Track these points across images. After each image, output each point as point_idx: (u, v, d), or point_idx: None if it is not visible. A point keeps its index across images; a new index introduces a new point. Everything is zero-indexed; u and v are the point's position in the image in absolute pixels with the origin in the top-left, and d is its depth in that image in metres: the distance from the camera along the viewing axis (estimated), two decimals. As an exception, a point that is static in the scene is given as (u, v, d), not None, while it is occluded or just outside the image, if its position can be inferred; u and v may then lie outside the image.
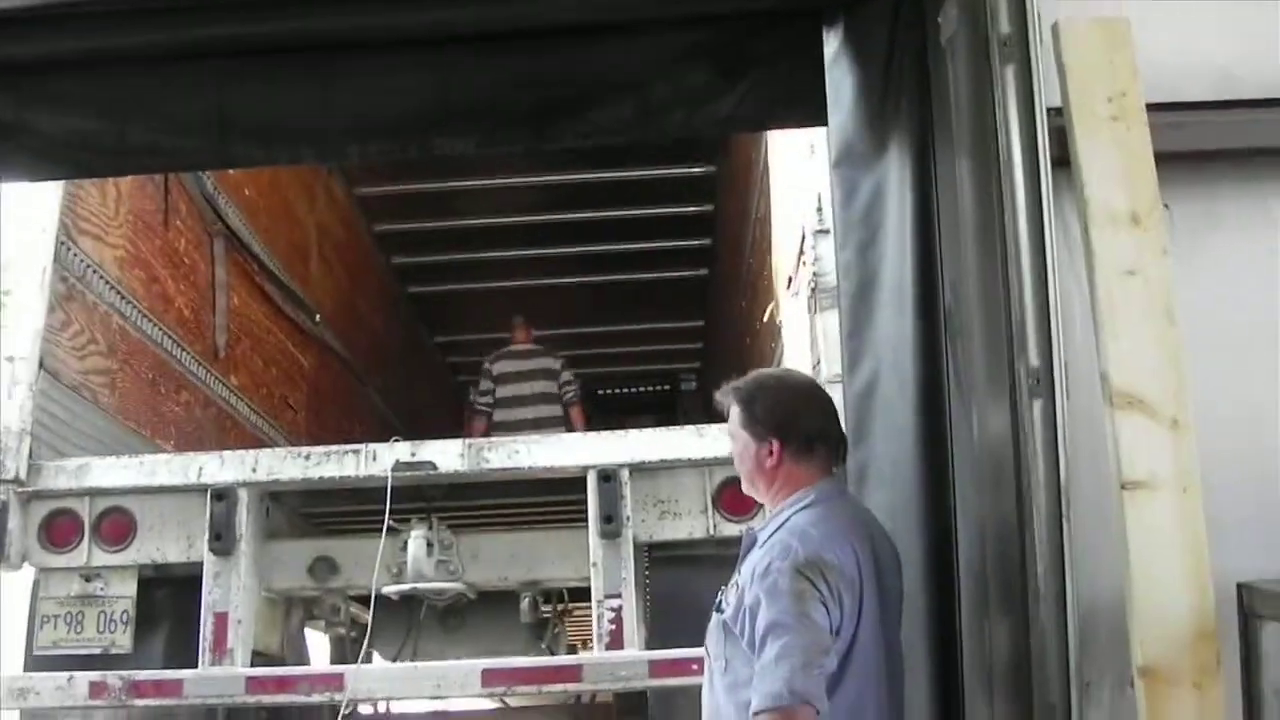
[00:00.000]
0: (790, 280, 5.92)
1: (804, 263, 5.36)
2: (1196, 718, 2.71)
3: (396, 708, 6.18)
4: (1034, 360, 3.12)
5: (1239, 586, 3.02)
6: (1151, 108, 3.08)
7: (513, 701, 6.75)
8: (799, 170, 5.38)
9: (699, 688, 4.74)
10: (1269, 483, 3.21)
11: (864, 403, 3.94)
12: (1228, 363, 3.25)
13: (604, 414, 12.32)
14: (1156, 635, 2.75)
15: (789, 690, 2.76)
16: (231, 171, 7.36)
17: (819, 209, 5.01)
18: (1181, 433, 2.83)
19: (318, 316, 8.74)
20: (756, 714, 2.79)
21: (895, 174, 3.83)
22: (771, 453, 3.14)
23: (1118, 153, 3.03)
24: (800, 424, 3.20)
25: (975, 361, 3.44)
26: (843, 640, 2.91)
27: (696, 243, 11.44)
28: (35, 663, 4.96)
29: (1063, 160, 3.11)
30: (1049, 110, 3.20)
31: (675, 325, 13.34)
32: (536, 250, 11.45)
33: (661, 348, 13.80)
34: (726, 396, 3.26)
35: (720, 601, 3.14)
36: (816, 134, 5.13)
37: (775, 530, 3.08)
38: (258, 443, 7.13)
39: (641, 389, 14.22)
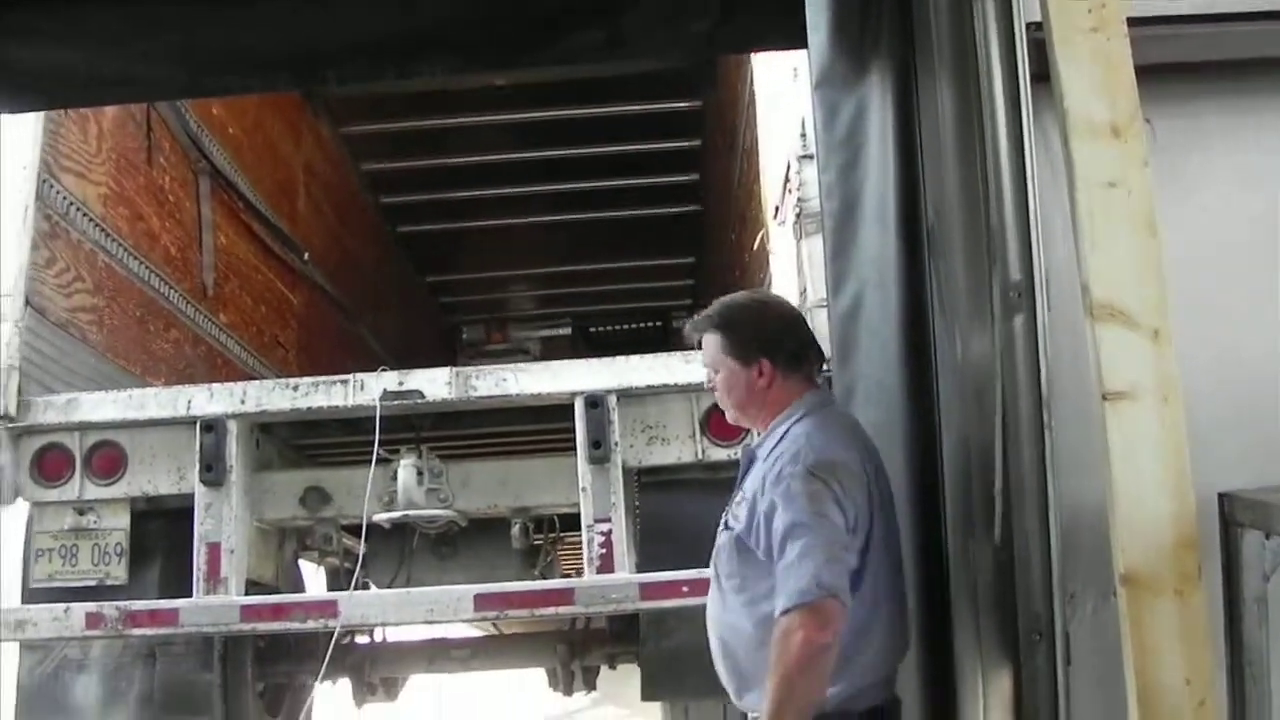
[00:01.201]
0: (777, 209, 5.91)
1: (790, 190, 5.36)
2: (1178, 624, 2.72)
3: (392, 637, 6.23)
4: (1015, 274, 3.13)
5: (1220, 495, 3.05)
6: (1132, 22, 3.05)
7: (507, 628, 6.82)
8: (784, 98, 5.36)
9: (690, 610, 4.80)
10: (1249, 394, 3.24)
11: (849, 323, 3.96)
12: (1209, 276, 3.27)
13: (596, 351, 12.33)
14: (1138, 544, 2.77)
15: (816, 584, 2.79)
16: (215, 110, 7.32)
17: (803, 134, 5.00)
18: (1162, 343, 2.83)
19: (306, 255, 8.71)
20: (785, 612, 2.80)
21: (876, 94, 3.82)
22: (761, 373, 3.16)
23: (1097, 65, 3.00)
24: (785, 339, 3.24)
25: (957, 278, 3.45)
26: (859, 537, 2.96)
27: (685, 178, 11.40)
28: (32, 595, 5.01)
29: (1042, 75, 3.10)
30: (1028, 25, 3.19)
31: (666, 262, 13.31)
32: (526, 188, 11.39)
33: (653, 285, 13.78)
34: (701, 329, 3.25)
35: (727, 520, 3.16)
36: (800, 58, 5.12)
37: (777, 442, 3.10)
38: (248, 380, 7.13)
39: (633, 325, 14.22)
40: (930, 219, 3.66)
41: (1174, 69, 3.32)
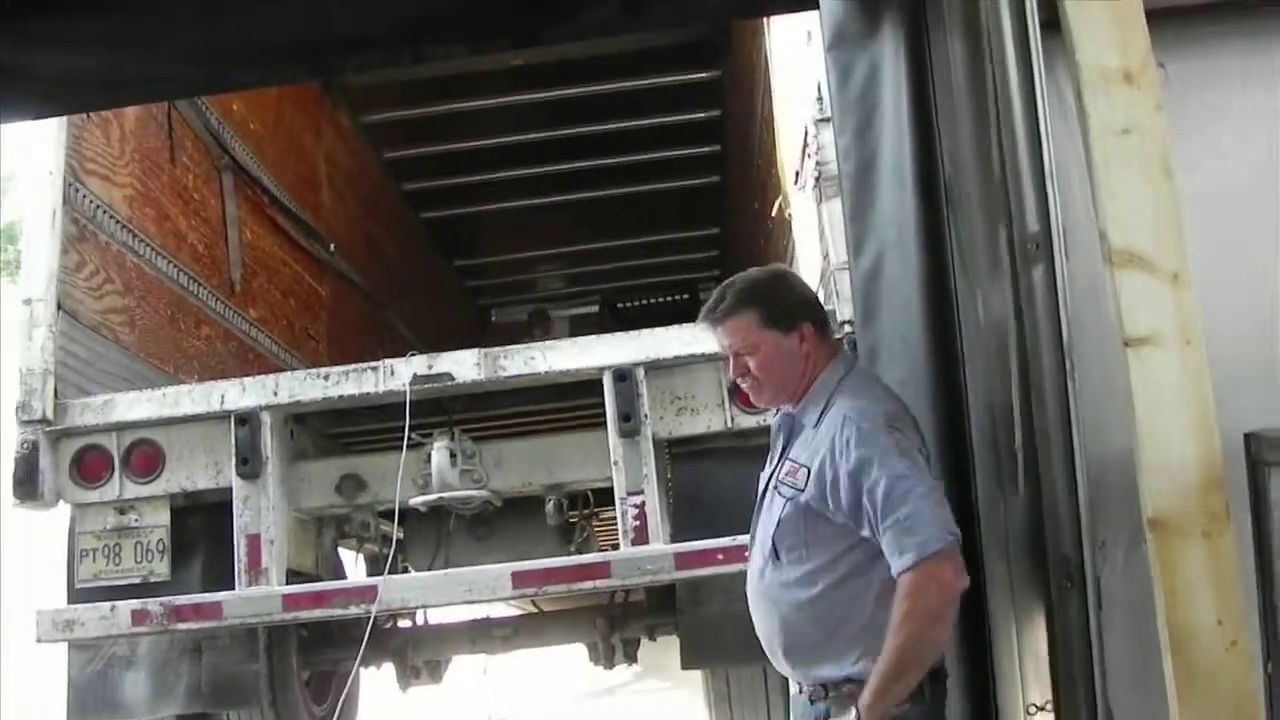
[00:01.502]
0: (797, 175, 5.91)
1: (808, 155, 5.35)
2: (1207, 566, 2.72)
3: (434, 620, 6.28)
4: (1032, 226, 3.13)
5: (1246, 436, 3.04)
6: (1143, -35, 3.03)
7: (547, 606, 6.85)
8: (799, 63, 5.35)
9: (726, 577, 4.81)
10: (1271, 335, 3.23)
11: (870, 284, 3.96)
12: (1229, 217, 3.25)
13: (625, 326, 12.28)
14: (1165, 487, 2.76)
15: (945, 530, 2.79)
16: (235, 106, 7.36)
17: (819, 98, 4.99)
18: (1182, 287, 2.82)
19: (333, 247, 8.74)
20: (915, 565, 2.75)
21: (889, 52, 3.81)
22: (803, 339, 3.12)
23: (1107, 11, 2.98)
24: (817, 303, 3.30)
25: (975, 233, 3.45)
26: None
27: (707, 149, 11.37)
28: (77, 596, 5.08)
29: (1052, 23, 3.09)
30: (1036, -28, 3.18)
31: (691, 234, 13.30)
32: (547, 168, 11.38)
33: (679, 258, 13.77)
34: (727, 312, 3.14)
35: (779, 490, 3.05)
36: (813, 20, 5.10)
37: (826, 404, 3.06)
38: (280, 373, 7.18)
39: (661, 299, 14.19)
40: (948, 175, 3.66)
41: (1185, 11, 3.30)
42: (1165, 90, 2.98)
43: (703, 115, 10.79)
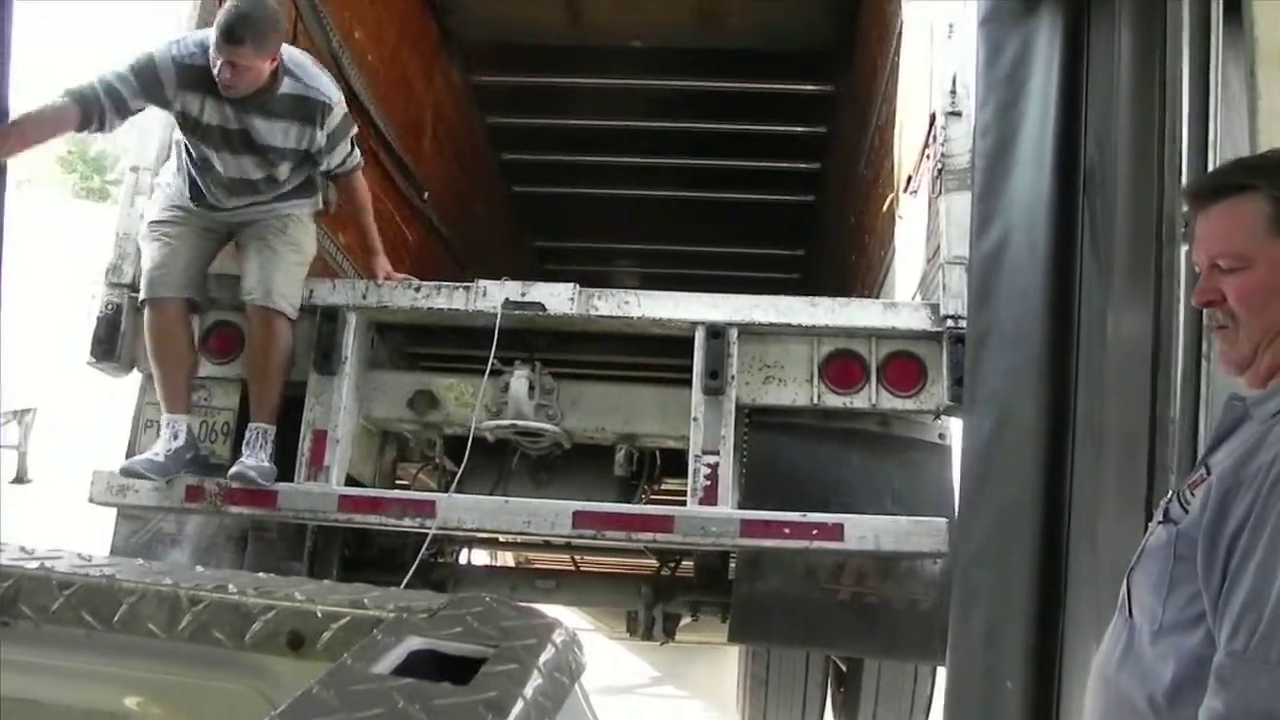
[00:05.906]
0: (910, 179, 5.83)
1: (928, 155, 5.28)
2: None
3: (478, 562, 6.21)
4: (1185, 205, 3.04)
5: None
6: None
7: (590, 568, 6.75)
8: (934, 58, 5.27)
9: (785, 555, 4.71)
10: None
11: (991, 265, 3.90)
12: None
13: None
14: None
15: None
16: (357, 34, 7.37)
17: (952, 90, 4.92)
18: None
19: (426, 195, 8.73)
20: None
21: (1045, 31, 3.77)
22: None
23: (1294, -7, 2.91)
24: None
25: (1116, 214, 3.37)
26: None
27: (805, 166, 11.28)
28: None
29: (1232, 3, 3.01)
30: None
31: (774, 252, 13.16)
32: (643, 159, 11.31)
33: (759, 275, 13.58)
34: (1230, 191, 2.11)
35: (1168, 509, 2.11)
36: (956, 15, 5.04)
37: None
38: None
39: None
40: (1091, 157, 3.59)
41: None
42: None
43: (809, 130, 10.70)
